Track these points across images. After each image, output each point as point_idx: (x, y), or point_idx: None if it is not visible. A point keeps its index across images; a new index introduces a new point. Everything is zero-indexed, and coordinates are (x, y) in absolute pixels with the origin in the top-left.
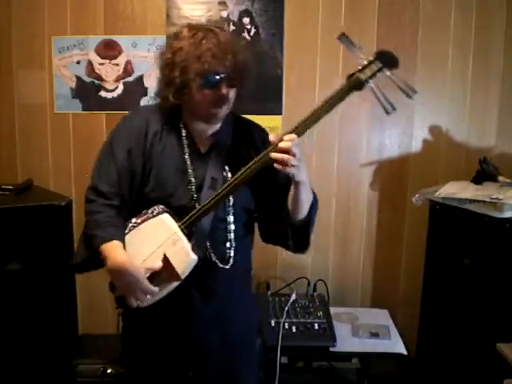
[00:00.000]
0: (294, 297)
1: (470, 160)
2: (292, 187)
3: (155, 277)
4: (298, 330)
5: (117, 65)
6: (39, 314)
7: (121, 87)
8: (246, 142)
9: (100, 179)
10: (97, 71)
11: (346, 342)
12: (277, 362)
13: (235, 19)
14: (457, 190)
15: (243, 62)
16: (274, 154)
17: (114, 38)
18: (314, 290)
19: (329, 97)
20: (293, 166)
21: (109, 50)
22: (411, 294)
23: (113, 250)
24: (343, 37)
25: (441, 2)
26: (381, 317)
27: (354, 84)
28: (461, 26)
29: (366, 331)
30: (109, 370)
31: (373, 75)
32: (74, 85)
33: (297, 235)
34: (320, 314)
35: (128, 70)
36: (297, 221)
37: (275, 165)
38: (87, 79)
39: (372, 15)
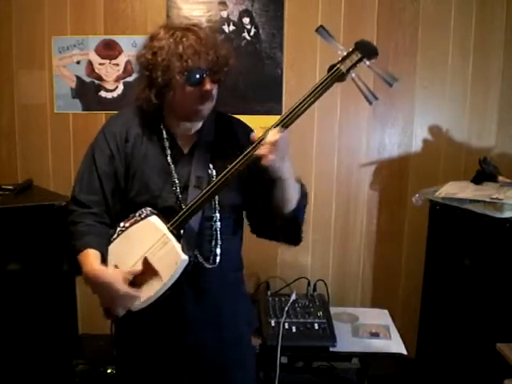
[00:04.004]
0: (293, 297)
1: (470, 160)
2: (276, 184)
3: (139, 281)
4: (297, 330)
5: (117, 65)
6: (39, 314)
7: (121, 87)
8: (228, 138)
9: (80, 189)
10: (97, 71)
11: (346, 341)
12: (277, 362)
13: (235, 19)
14: (457, 190)
15: (225, 56)
16: (259, 150)
17: (114, 37)
18: (314, 289)
19: (311, 90)
20: (276, 159)
21: (109, 49)
22: (411, 293)
23: (88, 260)
24: (321, 29)
25: (441, 1)
26: (381, 317)
27: (336, 75)
28: (461, 26)
29: (366, 331)
30: (109, 370)
31: (353, 66)
32: (73, 85)
33: (286, 229)
34: (320, 313)
35: (128, 69)
36: (285, 215)
37: (262, 161)
38: (87, 79)
39: (372, 15)
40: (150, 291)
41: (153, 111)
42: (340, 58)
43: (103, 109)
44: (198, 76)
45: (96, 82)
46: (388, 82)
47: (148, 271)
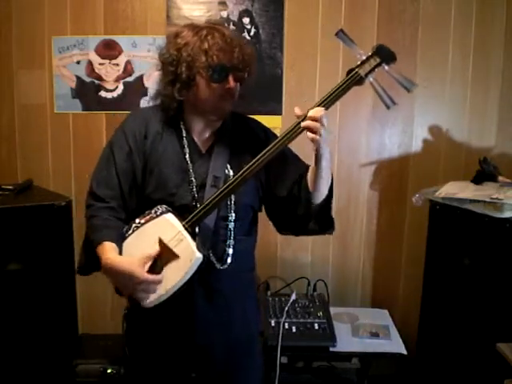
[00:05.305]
0: (293, 297)
1: (470, 160)
2: (313, 165)
3: (157, 264)
4: (297, 330)
5: (117, 65)
6: (39, 314)
7: (121, 87)
8: (246, 138)
9: (98, 183)
10: (97, 71)
11: (346, 342)
12: (277, 362)
13: (235, 19)
14: (457, 190)
15: (250, 54)
16: (305, 122)
17: (114, 37)
18: (314, 289)
19: (329, 93)
20: (321, 134)
21: (109, 50)
22: (411, 293)
23: (105, 252)
24: (341, 33)
25: (441, 1)
26: (381, 317)
27: (354, 79)
28: (461, 26)
29: (366, 331)
30: (109, 370)
31: (372, 70)
32: (74, 85)
33: (319, 215)
34: (320, 314)
35: (128, 69)
36: (318, 202)
37: (308, 133)
38: (87, 79)
39: (372, 15)
40: (171, 275)
41: (173, 109)
42: (359, 62)
43: (103, 109)
44: (222, 73)
45: (96, 81)
46: (406, 88)
47: (163, 252)
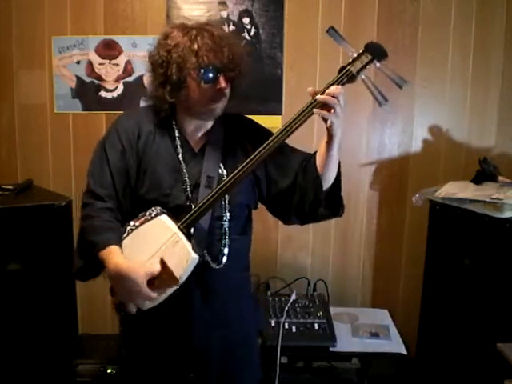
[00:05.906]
0: (293, 297)
1: (470, 160)
2: (325, 145)
3: (154, 281)
4: (297, 330)
5: (117, 65)
6: (39, 314)
7: (121, 87)
8: (239, 137)
9: (95, 182)
10: (97, 71)
11: (346, 342)
12: (277, 362)
13: (235, 19)
14: (457, 190)
15: (240, 54)
16: (321, 97)
17: (114, 37)
18: (314, 289)
19: (322, 90)
20: (337, 113)
21: (109, 50)
22: (411, 293)
23: (112, 256)
24: (332, 30)
25: (441, 1)
26: (381, 317)
27: (346, 77)
28: (461, 26)
29: (366, 331)
30: (109, 370)
31: (363, 67)
32: (74, 85)
33: (329, 198)
34: (320, 314)
35: (128, 69)
36: (327, 186)
37: (321, 112)
38: (87, 79)
39: (372, 15)
40: (165, 292)
41: (165, 110)
42: (350, 60)
43: (103, 109)
44: (213, 73)
45: (96, 81)
46: (398, 84)
47: (163, 272)
